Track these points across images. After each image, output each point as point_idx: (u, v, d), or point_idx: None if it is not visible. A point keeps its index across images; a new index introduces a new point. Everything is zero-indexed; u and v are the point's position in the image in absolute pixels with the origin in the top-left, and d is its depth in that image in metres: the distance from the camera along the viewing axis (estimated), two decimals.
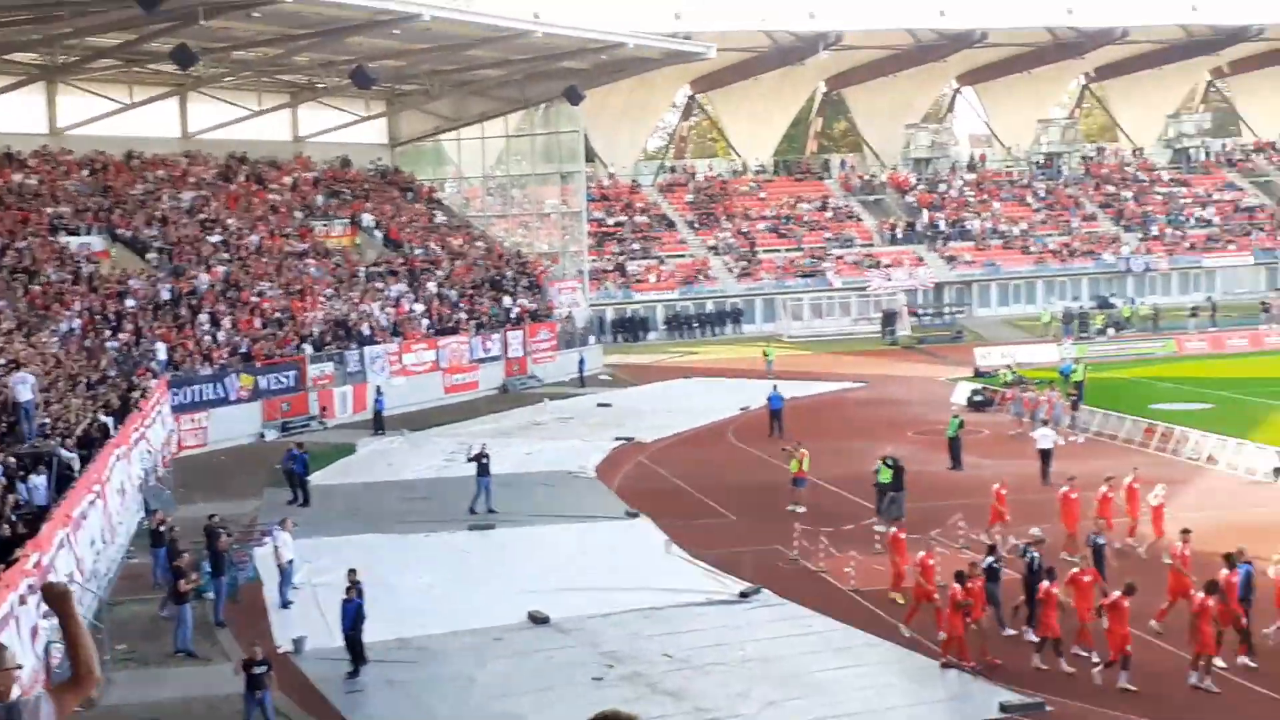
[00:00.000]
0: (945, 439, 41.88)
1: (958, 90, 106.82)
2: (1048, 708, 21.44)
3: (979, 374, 60.63)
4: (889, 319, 77.95)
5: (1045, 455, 39.50)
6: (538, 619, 26.83)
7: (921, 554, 25.86)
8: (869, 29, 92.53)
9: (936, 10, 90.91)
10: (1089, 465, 39.76)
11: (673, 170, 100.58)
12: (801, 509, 35.07)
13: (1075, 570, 24.42)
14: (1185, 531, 26.04)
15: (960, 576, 23.61)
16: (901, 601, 26.73)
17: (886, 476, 35.10)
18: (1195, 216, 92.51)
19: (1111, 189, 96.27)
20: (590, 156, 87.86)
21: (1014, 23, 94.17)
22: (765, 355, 64.43)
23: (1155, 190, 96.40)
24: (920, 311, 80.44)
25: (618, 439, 47.84)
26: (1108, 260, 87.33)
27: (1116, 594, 22.19)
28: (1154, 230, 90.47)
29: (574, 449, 45.94)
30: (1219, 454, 40.99)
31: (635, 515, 35.97)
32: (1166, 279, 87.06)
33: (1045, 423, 43.47)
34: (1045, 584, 23.49)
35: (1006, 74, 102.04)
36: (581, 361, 64.84)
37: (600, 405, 56.49)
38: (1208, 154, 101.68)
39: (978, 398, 52.93)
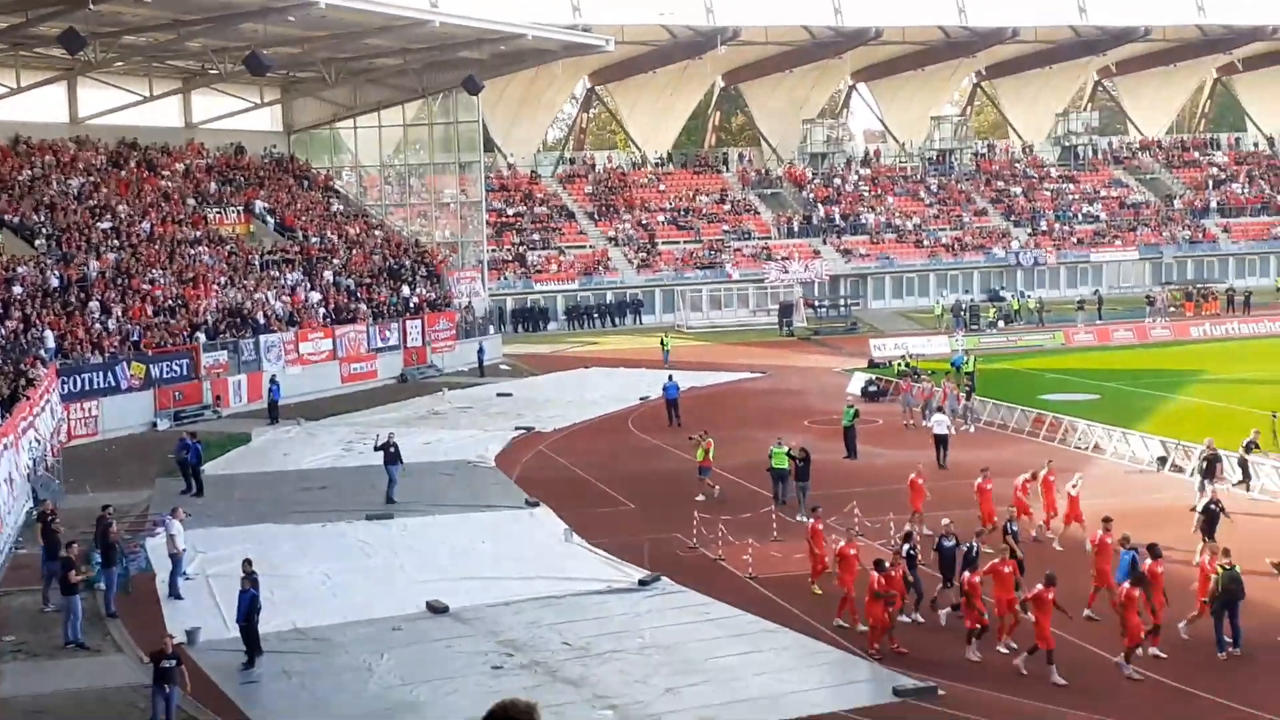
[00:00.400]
0: (841, 428, 42.09)
1: (853, 87, 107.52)
2: (940, 691, 21.51)
3: (873, 365, 61.11)
4: (786, 311, 78.46)
5: (941, 441, 40.42)
6: (436, 608, 26.53)
7: (841, 544, 25.92)
8: (766, 25, 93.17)
9: (832, 8, 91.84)
10: (982, 454, 40.13)
11: (572, 161, 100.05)
12: (712, 492, 35.51)
13: (996, 560, 24.57)
14: (1106, 520, 26.28)
15: (880, 565, 23.70)
16: (819, 592, 26.84)
17: (781, 462, 35.54)
18: (1083, 212, 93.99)
19: (1002, 185, 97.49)
20: (489, 147, 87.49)
21: (907, 21, 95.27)
22: (662, 345, 64.43)
23: (1044, 186, 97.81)
24: (816, 304, 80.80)
25: (517, 429, 47.54)
26: (998, 254, 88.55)
27: (1039, 586, 22.37)
28: (1043, 225, 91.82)
29: (473, 438, 45.65)
30: (1105, 443, 41.56)
31: (535, 504, 35.65)
32: (1055, 273, 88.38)
33: (940, 409, 43.94)
34: (968, 574, 23.70)
35: (900, 71, 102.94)
36: (481, 351, 64.41)
37: (500, 395, 56.16)
38: (1095, 151, 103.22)
39: (872, 388, 53.37)
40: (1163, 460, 38.56)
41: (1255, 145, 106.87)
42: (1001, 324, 75.63)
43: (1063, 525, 30.68)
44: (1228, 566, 23.21)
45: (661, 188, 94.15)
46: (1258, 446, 36.19)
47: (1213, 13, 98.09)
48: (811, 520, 28.19)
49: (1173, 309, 78.58)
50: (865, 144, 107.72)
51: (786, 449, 35.88)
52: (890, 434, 45.09)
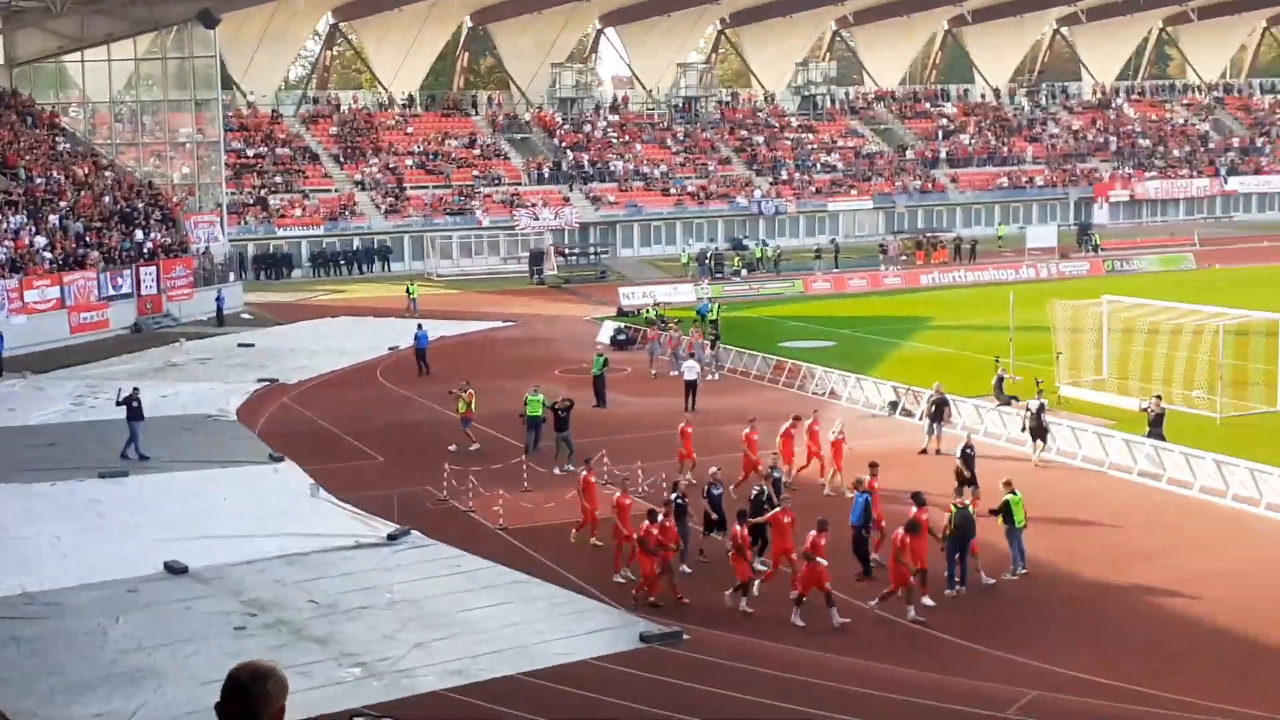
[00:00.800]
0: (591, 377, 42.05)
1: (601, 31, 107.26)
2: (685, 636, 21.65)
3: (622, 313, 61.47)
4: (536, 259, 77.84)
5: (691, 386, 40.94)
6: (175, 569, 25.49)
7: (617, 494, 25.83)
8: None
9: None
10: (728, 401, 40.98)
11: (316, 101, 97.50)
12: (471, 445, 35.11)
13: (776, 510, 24.79)
14: (873, 465, 26.82)
15: (652, 515, 23.73)
16: (576, 539, 26.93)
17: (536, 410, 35.45)
18: (821, 162, 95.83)
19: (745, 134, 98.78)
20: (227, 84, 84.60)
21: None
22: (409, 293, 63.52)
23: (785, 136, 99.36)
24: (566, 251, 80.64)
25: (260, 380, 46.15)
26: (741, 203, 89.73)
27: (813, 533, 22.61)
28: (784, 175, 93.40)
29: (214, 391, 43.97)
30: (840, 389, 42.29)
31: (279, 459, 34.52)
32: (795, 222, 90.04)
33: (690, 355, 44.46)
34: (739, 526, 23.80)
35: (648, 16, 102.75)
36: (220, 299, 62.36)
37: (241, 345, 54.39)
38: (833, 101, 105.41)
39: (621, 336, 53.60)
40: (894, 405, 39.44)
41: (982, 96, 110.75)
42: (744, 272, 76.90)
43: (835, 472, 30.99)
44: (960, 506, 24.04)
45: (409, 130, 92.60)
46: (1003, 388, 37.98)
47: None
48: (584, 472, 28.07)
49: (904, 257, 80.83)
50: (614, 90, 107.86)
51: (542, 398, 35.76)
52: (638, 382, 45.38)
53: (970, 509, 24.34)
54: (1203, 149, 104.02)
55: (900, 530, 22.86)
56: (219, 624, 22.73)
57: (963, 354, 47.99)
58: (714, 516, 26.47)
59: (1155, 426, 33.30)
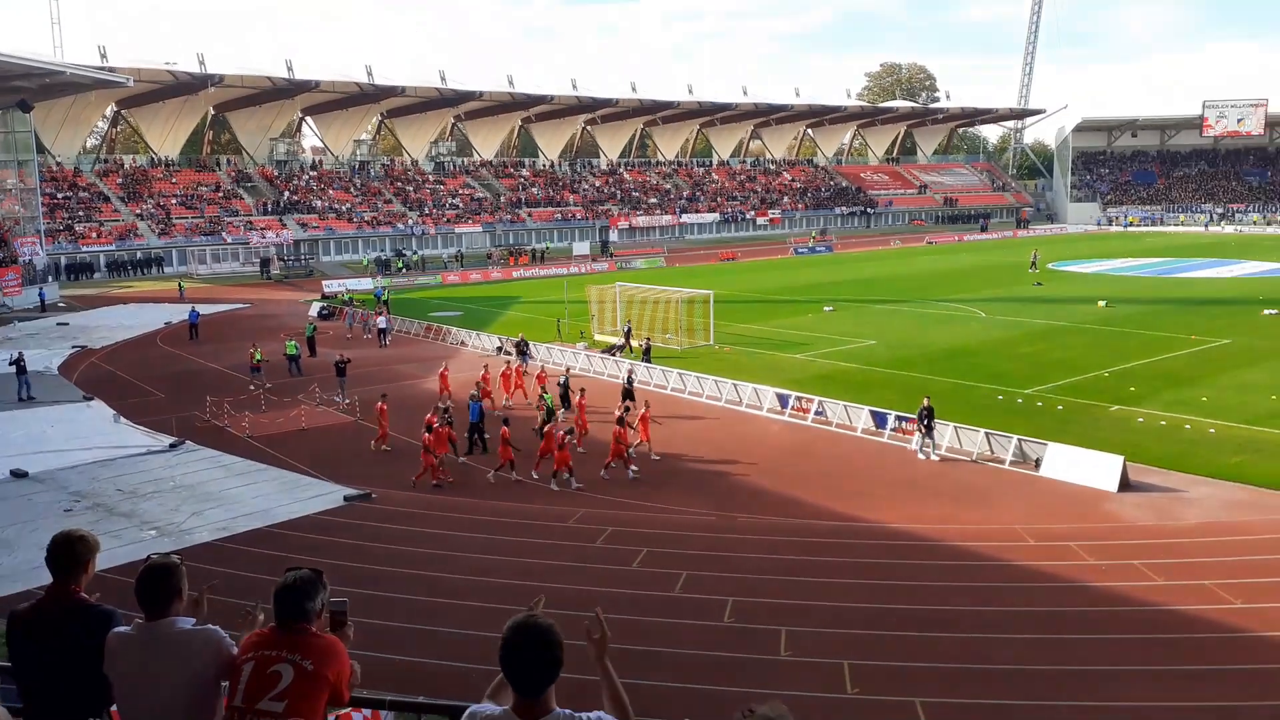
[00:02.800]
0: (305, 338, 40.55)
1: (303, 118, 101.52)
2: (374, 496, 21.37)
3: (325, 297, 59.20)
4: (265, 263, 73.83)
5: (383, 332, 42.40)
6: (18, 474, 23.15)
7: (430, 419, 23.46)
8: (241, 74, 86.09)
9: (285, 66, 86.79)
10: (400, 350, 40.29)
11: (106, 161, 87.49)
12: (266, 386, 32.64)
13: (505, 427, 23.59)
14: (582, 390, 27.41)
15: (429, 427, 22.83)
16: (387, 449, 25.33)
17: (292, 350, 35.50)
18: (449, 203, 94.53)
19: (400, 184, 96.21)
20: (41, 149, 74.95)
21: (337, 78, 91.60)
22: (180, 287, 59.07)
23: (426, 186, 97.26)
24: (286, 259, 76.63)
25: (74, 347, 42.03)
26: (400, 227, 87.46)
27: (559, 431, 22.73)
28: (426, 210, 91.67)
29: (40, 355, 39.46)
30: (467, 340, 42.39)
31: (90, 399, 31.79)
32: (434, 240, 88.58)
33: (379, 315, 44.17)
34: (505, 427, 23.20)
35: (333, 110, 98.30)
36: (42, 294, 55.93)
37: (59, 324, 49.04)
38: (455, 165, 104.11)
39: (325, 311, 51.86)
40: (499, 349, 39.67)
41: (547, 165, 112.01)
42: (405, 271, 75.42)
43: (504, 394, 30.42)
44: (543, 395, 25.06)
45: (174, 180, 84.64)
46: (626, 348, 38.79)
47: (508, 83, 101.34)
48: (380, 403, 26.18)
49: (501, 261, 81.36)
50: (313, 155, 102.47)
51: (294, 343, 35.78)
52: (337, 341, 43.78)
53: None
54: (668, 198, 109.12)
55: (616, 426, 23.01)
56: (53, 509, 20.83)
57: (538, 317, 48.96)
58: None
59: (646, 355, 35.31)
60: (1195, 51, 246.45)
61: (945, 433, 24.34)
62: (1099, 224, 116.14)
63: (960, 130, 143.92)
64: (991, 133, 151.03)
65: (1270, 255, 73.47)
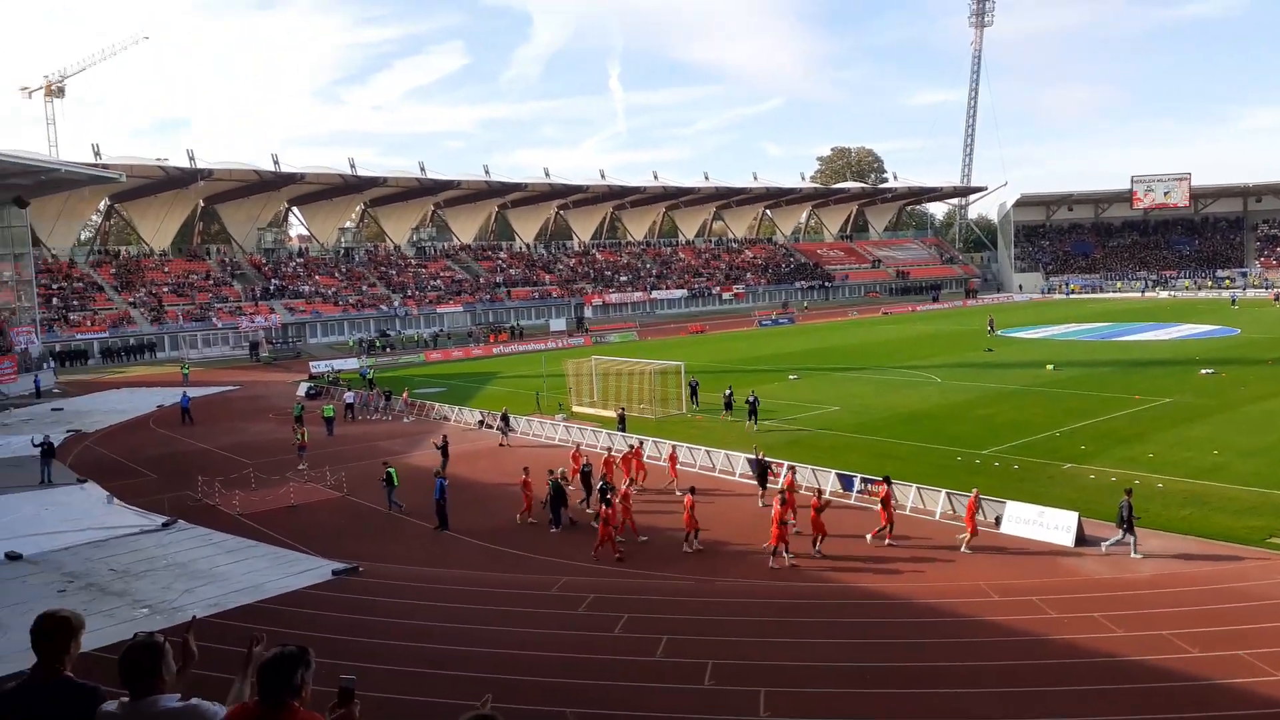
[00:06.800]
0: (292, 417, 40.09)
1: (289, 208, 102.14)
2: (360, 569, 21.03)
3: (312, 377, 58.82)
4: (254, 347, 73.52)
5: (349, 406, 42.67)
6: (13, 556, 22.51)
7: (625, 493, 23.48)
8: (229, 167, 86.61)
9: (271, 159, 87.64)
10: (383, 427, 39.82)
11: (102, 252, 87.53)
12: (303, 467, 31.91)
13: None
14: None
15: (607, 500, 21.85)
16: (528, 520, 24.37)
17: (329, 413, 34.64)
18: (430, 285, 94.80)
19: (384, 269, 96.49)
20: (37, 243, 74.69)
21: (321, 169, 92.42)
22: (183, 370, 58.65)
23: (408, 269, 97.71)
24: (274, 342, 76.24)
25: (68, 430, 41.23)
26: (385, 309, 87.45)
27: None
28: (409, 292, 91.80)
29: (35, 439, 38.85)
30: (450, 414, 42.08)
31: (84, 481, 31.08)
32: (418, 319, 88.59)
33: (348, 389, 43.34)
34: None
35: (318, 200, 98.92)
36: (37, 380, 55.03)
37: (54, 410, 48.18)
38: (436, 250, 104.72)
39: (312, 391, 51.42)
40: (481, 422, 39.67)
41: (523, 248, 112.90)
42: (389, 349, 75.19)
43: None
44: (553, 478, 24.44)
45: (165, 270, 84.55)
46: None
47: (484, 173, 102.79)
48: (524, 475, 25.30)
49: (481, 339, 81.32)
50: (300, 243, 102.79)
51: (332, 407, 35.82)
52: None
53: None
54: (638, 276, 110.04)
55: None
56: (47, 590, 20.24)
57: (520, 391, 48.80)
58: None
59: (621, 424, 35.16)
60: (1123, 128, 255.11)
61: (908, 493, 24.29)
62: (1043, 292, 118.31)
63: (909, 208, 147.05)
64: (938, 209, 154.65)
65: (1204, 318, 74.99)
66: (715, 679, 14.55)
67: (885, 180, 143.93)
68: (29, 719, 3.96)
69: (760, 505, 24.53)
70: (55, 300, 73.70)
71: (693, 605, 17.93)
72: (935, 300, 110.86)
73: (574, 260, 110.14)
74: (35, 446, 32.42)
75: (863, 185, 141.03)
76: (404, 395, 45.57)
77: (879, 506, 21.97)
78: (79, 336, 71.13)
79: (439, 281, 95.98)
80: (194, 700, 3.94)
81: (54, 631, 4.16)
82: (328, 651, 4.20)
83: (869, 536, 21.56)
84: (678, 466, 27.66)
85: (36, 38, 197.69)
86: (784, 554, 20.34)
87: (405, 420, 42.29)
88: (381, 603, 18.79)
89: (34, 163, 56.10)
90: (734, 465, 28.71)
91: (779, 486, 23.72)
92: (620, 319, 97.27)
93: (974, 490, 22.16)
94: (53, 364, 63.61)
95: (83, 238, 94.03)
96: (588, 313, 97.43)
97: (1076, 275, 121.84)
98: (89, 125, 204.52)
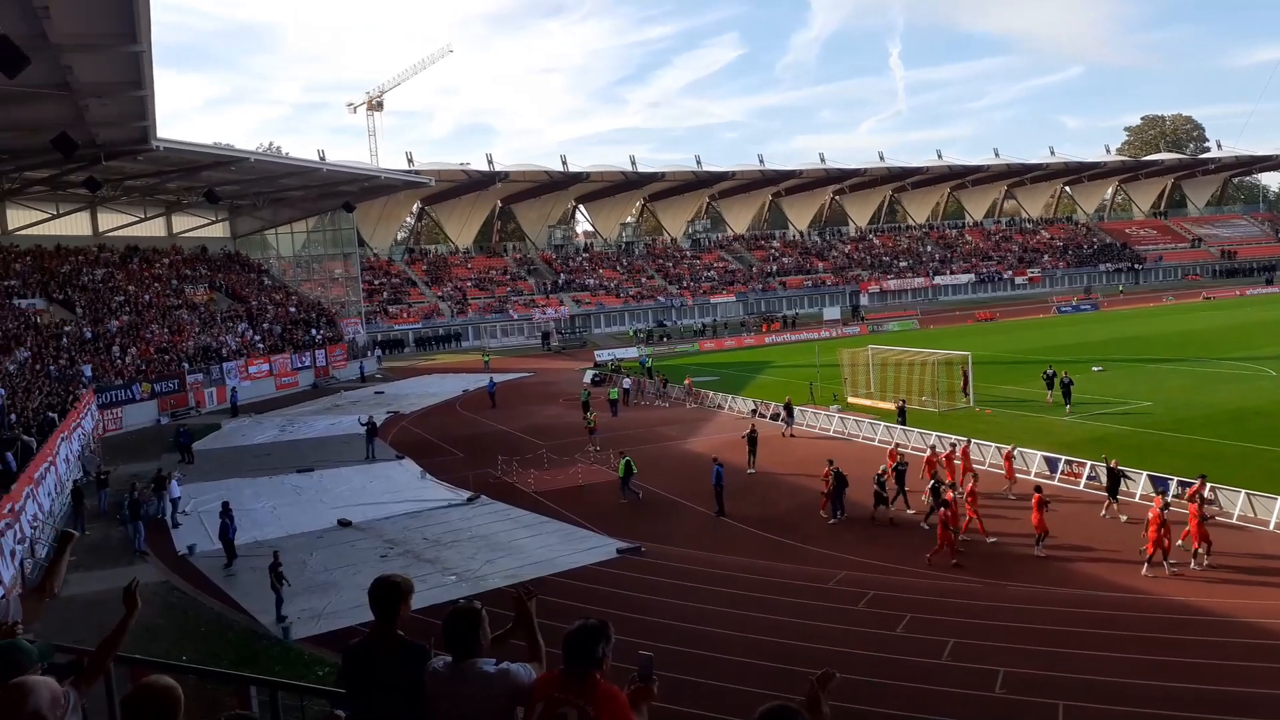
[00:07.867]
0: (579, 402, 42.25)
1: (576, 206, 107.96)
2: (643, 549, 21.74)
3: (597, 365, 61.70)
4: (545, 337, 78.37)
5: (625, 392, 43.62)
6: (344, 523, 25.60)
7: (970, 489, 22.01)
8: (523, 169, 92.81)
9: (560, 160, 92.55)
10: (661, 413, 40.93)
11: (413, 251, 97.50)
12: (596, 449, 33.60)
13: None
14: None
15: (944, 503, 20.45)
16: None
17: (614, 395, 37.52)
18: (705, 275, 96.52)
19: (661, 261, 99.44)
20: (361, 243, 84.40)
21: (605, 167, 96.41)
22: (484, 358, 64.04)
23: (683, 262, 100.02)
24: (563, 331, 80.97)
25: (389, 412, 46.02)
26: (662, 300, 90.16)
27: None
28: (684, 283, 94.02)
29: (360, 420, 43.96)
30: (725, 403, 42.63)
31: (402, 457, 34.67)
32: (692, 310, 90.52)
33: (624, 375, 45.21)
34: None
35: (601, 197, 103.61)
36: (362, 367, 62.18)
37: (376, 393, 54.13)
38: (709, 241, 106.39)
39: (597, 378, 53.80)
40: (754, 411, 39.72)
41: (796, 236, 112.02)
42: (665, 339, 77.43)
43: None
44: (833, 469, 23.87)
45: (469, 266, 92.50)
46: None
47: (759, 162, 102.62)
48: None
49: (754, 329, 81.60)
50: (584, 239, 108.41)
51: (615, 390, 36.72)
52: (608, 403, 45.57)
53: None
54: (919, 262, 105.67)
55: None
56: (371, 555, 22.78)
57: (791, 381, 48.51)
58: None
59: (901, 417, 33.93)
60: None
61: (1236, 499, 21.42)
62: None
63: (1235, 179, 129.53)
64: (1271, 180, 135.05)
65: None
66: (1007, 688, 13.63)
67: (1206, 150, 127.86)
68: (372, 671, 4.40)
69: (1103, 516, 22.25)
70: (376, 295, 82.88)
71: (980, 609, 16.92)
72: (1269, 283, 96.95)
73: (849, 246, 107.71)
74: (362, 425, 36.47)
75: (1179, 156, 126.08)
76: (687, 382, 46.63)
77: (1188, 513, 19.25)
78: (396, 327, 79.55)
79: (713, 272, 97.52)
80: (507, 664, 4.19)
81: (390, 595, 4.54)
82: (615, 628, 4.31)
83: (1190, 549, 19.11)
84: (986, 468, 25.74)
85: (359, 57, 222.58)
86: (1164, 563, 18.38)
87: (688, 406, 43.37)
88: (664, 583, 19.38)
89: (361, 171, 63.48)
90: (1028, 463, 26.68)
91: (1183, 497, 20.80)
92: (899, 306, 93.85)
93: None
94: (378, 352, 71.57)
95: (398, 238, 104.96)
96: (864, 300, 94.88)
97: None
98: (401, 135, 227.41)
